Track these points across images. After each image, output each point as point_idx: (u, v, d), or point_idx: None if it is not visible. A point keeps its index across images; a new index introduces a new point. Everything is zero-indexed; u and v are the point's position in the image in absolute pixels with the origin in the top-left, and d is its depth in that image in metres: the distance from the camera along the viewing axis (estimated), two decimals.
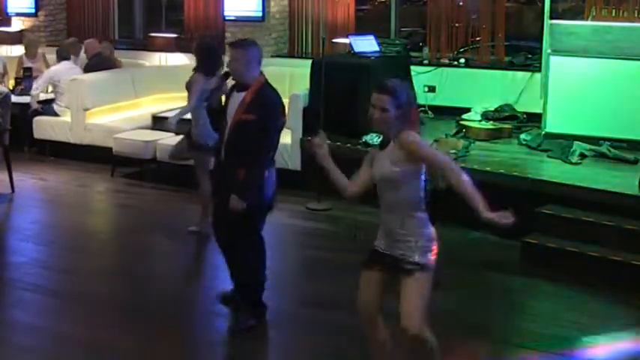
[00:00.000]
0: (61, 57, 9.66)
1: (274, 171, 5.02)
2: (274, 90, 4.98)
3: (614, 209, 6.17)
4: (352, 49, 8.57)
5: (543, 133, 7.75)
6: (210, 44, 6.90)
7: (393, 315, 3.77)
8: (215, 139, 5.44)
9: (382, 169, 3.74)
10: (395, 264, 3.77)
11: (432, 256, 3.77)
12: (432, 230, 3.81)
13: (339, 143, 7.58)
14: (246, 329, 5.03)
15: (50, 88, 9.72)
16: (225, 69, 5.18)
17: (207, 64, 6.59)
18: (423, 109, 8.75)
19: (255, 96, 4.85)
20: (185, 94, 6.74)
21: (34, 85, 9.61)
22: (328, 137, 4.03)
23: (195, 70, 6.65)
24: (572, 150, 7.23)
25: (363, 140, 7.60)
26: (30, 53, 10.61)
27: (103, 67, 9.80)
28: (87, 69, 9.79)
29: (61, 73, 9.39)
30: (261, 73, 4.97)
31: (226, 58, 5.22)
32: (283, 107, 5.08)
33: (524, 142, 7.71)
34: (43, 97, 9.67)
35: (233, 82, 5.10)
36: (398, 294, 3.75)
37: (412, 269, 3.71)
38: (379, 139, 3.90)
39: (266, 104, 4.86)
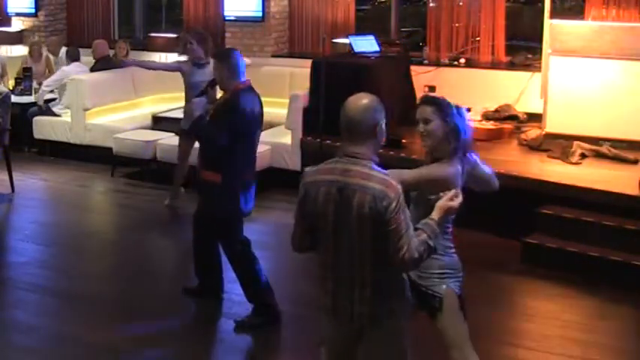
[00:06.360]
0: (72, 58, 9.65)
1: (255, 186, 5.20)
2: (249, 98, 5.03)
3: (614, 209, 6.17)
4: (352, 49, 8.56)
5: (543, 133, 7.75)
6: (202, 31, 7.52)
7: None
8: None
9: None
10: (424, 298, 3.67)
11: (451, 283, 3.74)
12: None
13: (339, 143, 7.55)
14: (249, 326, 5.08)
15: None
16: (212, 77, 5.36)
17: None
18: None
19: (224, 101, 5.06)
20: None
21: (46, 82, 9.57)
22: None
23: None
24: (572, 150, 7.23)
25: None
26: (34, 56, 10.58)
27: None
28: (92, 71, 9.73)
29: (72, 74, 9.37)
30: (247, 80, 5.07)
31: None
32: (253, 115, 5.05)
33: (524, 142, 7.71)
34: (47, 96, 9.68)
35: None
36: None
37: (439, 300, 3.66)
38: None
39: (227, 109, 4.98)
